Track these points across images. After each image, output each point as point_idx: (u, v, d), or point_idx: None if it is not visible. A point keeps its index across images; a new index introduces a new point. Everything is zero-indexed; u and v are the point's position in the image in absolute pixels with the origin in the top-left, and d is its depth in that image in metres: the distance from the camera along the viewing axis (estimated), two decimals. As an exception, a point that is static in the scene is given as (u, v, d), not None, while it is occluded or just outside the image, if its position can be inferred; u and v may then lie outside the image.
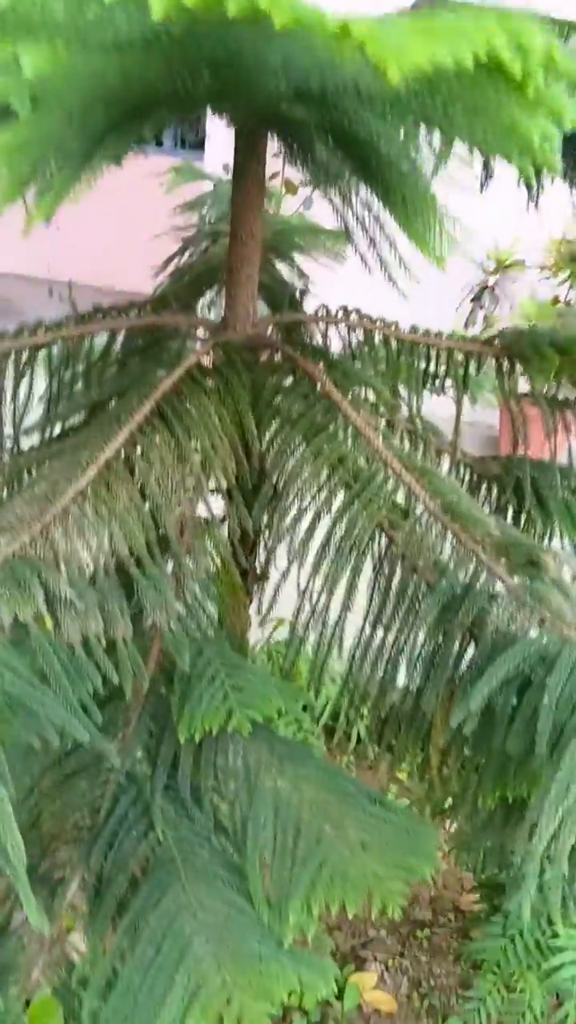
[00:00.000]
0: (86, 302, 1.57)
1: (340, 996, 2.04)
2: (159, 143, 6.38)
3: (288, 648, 1.36)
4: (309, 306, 1.69)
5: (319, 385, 1.40)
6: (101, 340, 1.62)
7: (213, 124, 5.44)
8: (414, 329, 1.61)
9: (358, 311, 1.60)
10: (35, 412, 1.55)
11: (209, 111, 0.97)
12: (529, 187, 1.19)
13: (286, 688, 1.23)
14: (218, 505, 1.42)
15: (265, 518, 1.42)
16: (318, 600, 1.28)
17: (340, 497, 1.30)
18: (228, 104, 0.70)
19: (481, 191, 1.23)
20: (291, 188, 4.59)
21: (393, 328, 1.60)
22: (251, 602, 1.71)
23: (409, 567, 1.22)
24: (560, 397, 1.62)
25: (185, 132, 6.35)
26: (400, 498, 1.28)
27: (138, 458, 1.22)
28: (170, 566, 1.28)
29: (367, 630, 1.25)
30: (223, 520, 1.46)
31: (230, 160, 1.31)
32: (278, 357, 1.51)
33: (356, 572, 1.25)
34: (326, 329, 1.64)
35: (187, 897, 1.00)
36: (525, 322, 4.19)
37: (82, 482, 1.16)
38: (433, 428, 1.78)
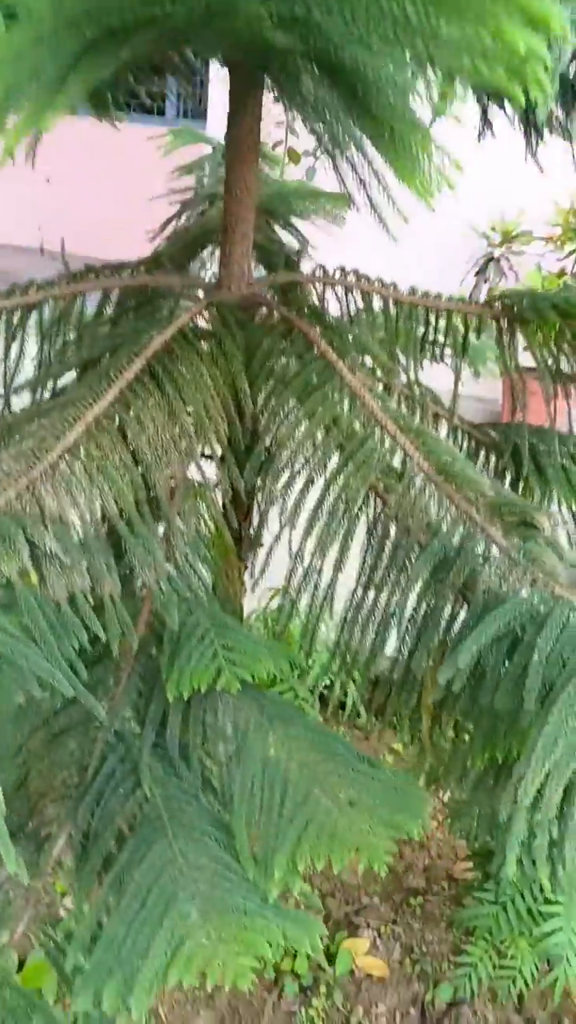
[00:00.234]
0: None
1: (332, 961, 2.06)
2: (160, 112, 6.29)
3: (280, 612, 1.35)
4: (308, 272, 1.66)
5: (315, 347, 1.38)
6: (94, 301, 1.60)
7: (216, 92, 5.34)
8: (412, 291, 1.58)
9: (356, 272, 1.58)
10: (27, 374, 1.53)
11: (211, 74, 0.94)
12: (526, 128, 1.16)
13: (277, 649, 1.22)
14: (212, 471, 1.41)
15: (258, 482, 1.40)
16: (311, 563, 1.27)
17: (333, 459, 1.28)
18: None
19: (479, 140, 1.20)
20: (294, 157, 4.52)
21: (391, 289, 1.57)
22: (245, 568, 1.70)
23: (402, 528, 1.20)
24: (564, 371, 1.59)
25: (187, 101, 6.26)
26: (394, 460, 1.26)
27: (128, 416, 1.20)
28: (161, 529, 1.27)
29: (359, 592, 1.24)
30: (216, 485, 1.45)
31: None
32: (274, 318, 1.49)
33: (348, 535, 1.24)
34: (323, 291, 1.61)
35: (173, 853, 1.00)
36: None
37: (70, 439, 1.14)
38: (432, 395, 1.76)
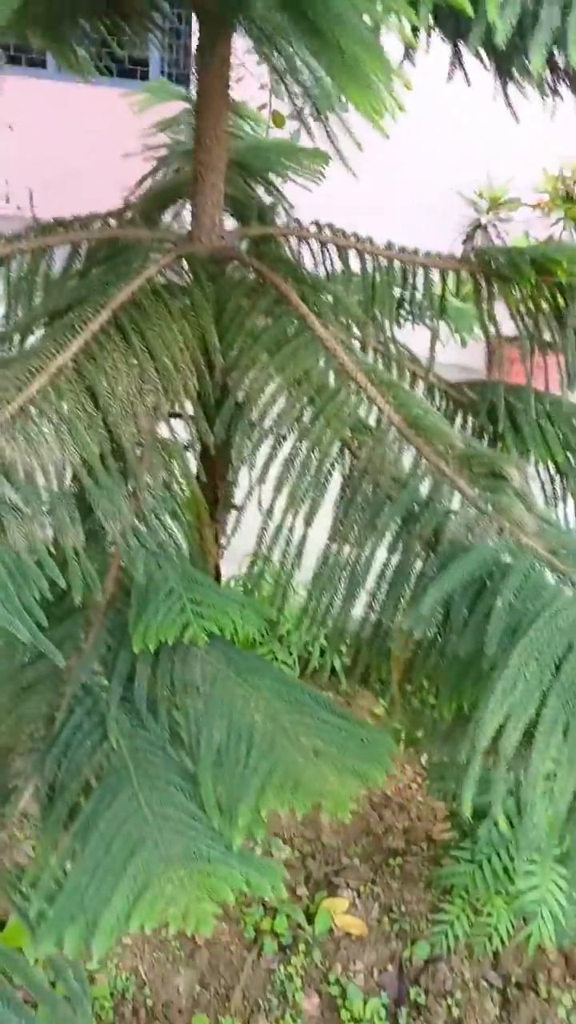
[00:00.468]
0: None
1: (312, 921, 2.08)
2: (144, 77, 6.17)
3: (251, 567, 1.34)
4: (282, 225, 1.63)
5: (287, 300, 1.36)
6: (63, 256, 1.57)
7: (201, 56, 5.23)
8: (389, 245, 1.56)
9: (330, 226, 1.55)
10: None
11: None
12: (498, 70, 1.12)
13: (249, 604, 1.21)
14: (185, 432, 1.39)
15: (233, 440, 1.38)
16: (283, 519, 1.26)
17: (304, 412, 1.26)
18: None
19: (448, 80, 1.17)
20: (278, 120, 4.45)
21: (367, 244, 1.54)
22: (221, 531, 1.68)
23: (371, 482, 1.19)
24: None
25: (171, 66, 6.13)
26: (366, 415, 1.25)
27: (92, 368, 1.18)
28: (131, 486, 1.25)
29: (330, 546, 1.23)
30: (188, 446, 1.43)
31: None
32: (246, 271, 1.46)
33: (319, 489, 1.23)
34: (298, 245, 1.58)
35: (138, 802, 0.99)
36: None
37: (32, 389, 1.12)
38: (410, 354, 1.74)
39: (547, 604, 0.83)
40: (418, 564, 1.12)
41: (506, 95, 1.21)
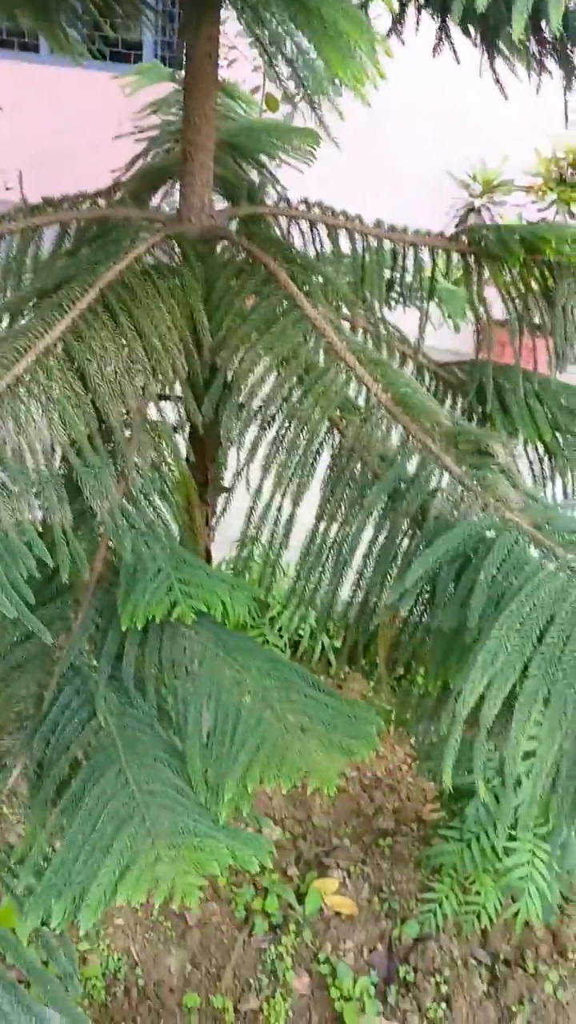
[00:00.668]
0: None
1: (302, 901, 2.09)
2: (139, 60, 6.11)
3: (241, 547, 1.35)
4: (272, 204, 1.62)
5: (276, 279, 1.35)
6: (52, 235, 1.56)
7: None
8: (378, 223, 1.55)
9: (320, 204, 1.54)
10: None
11: None
12: (484, 43, 1.11)
13: (238, 584, 1.21)
14: (175, 414, 1.38)
15: (221, 419, 1.38)
16: (271, 498, 1.26)
17: (293, 391, 1.26)
18: None
19: (435, 55, 1.16)
20: (271, 104, 4.41)
21: (357, 222, 1.54)
22: (211, 512, 1.68)
23: (359, 460, 1.19)
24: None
25: (166, 48, 6.07)
26: (353, 392, 1.25)
27: (80, 346, 1.17)
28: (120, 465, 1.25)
29: (317, 524, 1.23)
30: (176, 428, 1.43)
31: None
32: (235, 250, 1.45)
33: (308, 468, 1.23)
34: (288, 225, 1.58)
35: (126, 778, 1.00)
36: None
37: (19, 368, 1.11)
38: (400, 335, 1.74)
39: (529, 577, 0.83)
40: (404, 542, 1.13)
41: (493, 70, 1.20)
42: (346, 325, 1.63)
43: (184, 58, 1.35)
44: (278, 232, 1.55)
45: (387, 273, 1.65)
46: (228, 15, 1.26)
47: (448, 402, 1.73)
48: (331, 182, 2.92)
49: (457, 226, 4.44)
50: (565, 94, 1.21)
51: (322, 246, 1.61)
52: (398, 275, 1.64)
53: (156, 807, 0.97)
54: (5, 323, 1.45)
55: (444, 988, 1.94)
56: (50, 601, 1.25)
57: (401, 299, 1.77)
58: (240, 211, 1.51)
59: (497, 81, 1.21)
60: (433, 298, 1.70)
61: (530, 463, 1.63)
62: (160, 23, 5.75)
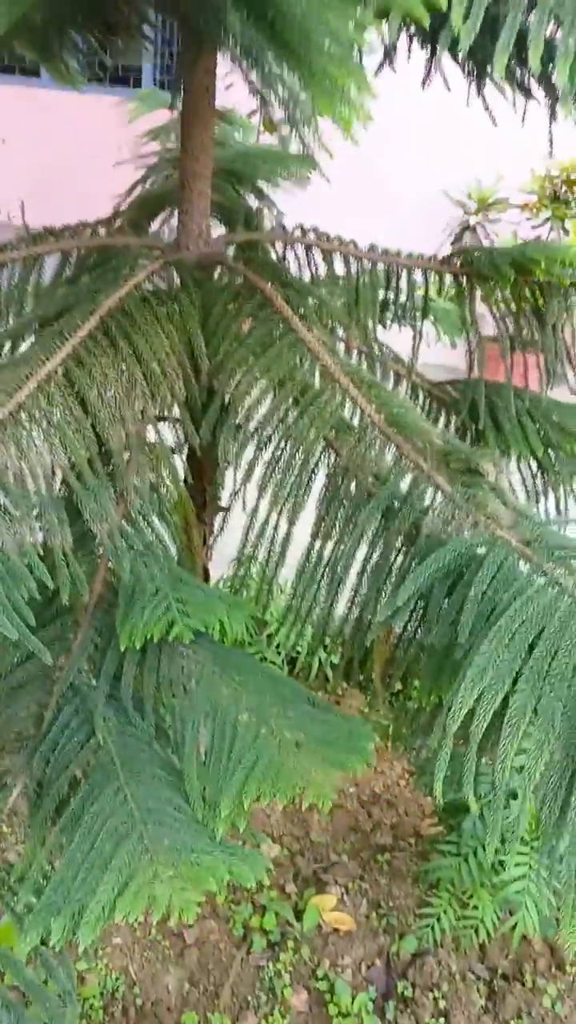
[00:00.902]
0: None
1: (300, 918, 2.10)
2: (138, 84, 6.20)
3: (238, 566, 1.37)
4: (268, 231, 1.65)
5: (271, 303, 1.38)
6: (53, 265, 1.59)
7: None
8: (372, 248, 1.59)
9: (315, 229, 1.58)
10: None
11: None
12: (475, 72, 1.14)
13: (235, 603, 1.23)
14: (173, 436, 1.41)
15: (219, 441, 1.41)
16: (268, 517, 1.28)
17: (288, 413, 1.29)
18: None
19: (424, 86, 1.19)
20: (269, 126, 4.48)
21: (351, 246, 1.57)
22: (209, 532, 1.71)
23: (353, 479, 1.21)
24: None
25: (164, 73, 6.16)
26: (348, 414, 1.28)
27: (80, 373, 1.20)
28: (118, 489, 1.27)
29: (313, 543, 1.25)
30: (174, 450, 1.45)
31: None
32: (232, 276, 1.48)
33: (303, 487, 1.25)
34: (283, 250, 1.61)
35: (124, 796, 1.02)
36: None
37: (21, 395, 1.14)
38: (394, 354, 1.77)
39: (518, 592, 0.86)
40: (398, 559, 1.15)
41: (481, 96, 1.24)
42: (341, 346, 1.67)
43: (182, 91, 1.39)
44: (274, 257, 1.59)
45: (381, 294, 1.68)
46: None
47: (442, 420, 1.76)
48: (328, 201, 2.96)
49: (452, 243, 4.51)
50: (550, 124, 1.24)
51: (317, 269, 1.64)
52: (392, 296, 1.68)
53: (154, 824, 0.99)
54: (7, 349, 1.48)
55: (442, 1003, 1.95)
56: (50, 622, 1.27)
57: (396, 319, 1.81)
58: (237, 237, 1.55)
59: (487, 108, 1.24)
60: (428, 317, 1.74)
61: (523, 479, 1.66)
62: (159, 50, 5.85)
